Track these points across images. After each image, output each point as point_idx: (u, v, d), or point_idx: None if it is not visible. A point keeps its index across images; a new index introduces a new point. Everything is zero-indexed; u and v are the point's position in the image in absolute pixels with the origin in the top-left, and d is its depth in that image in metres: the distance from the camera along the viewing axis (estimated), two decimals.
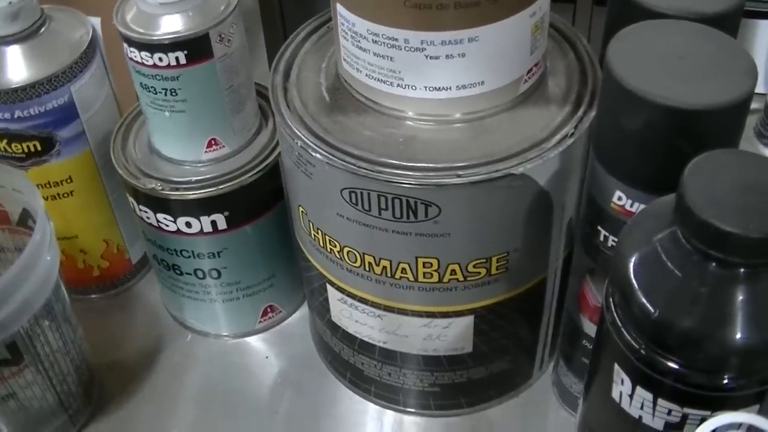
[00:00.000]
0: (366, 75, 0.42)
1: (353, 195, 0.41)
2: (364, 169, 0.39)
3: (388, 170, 0.39)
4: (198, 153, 0.50)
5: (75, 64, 0.50)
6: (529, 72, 0.42)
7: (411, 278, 0.43)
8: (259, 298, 0.55)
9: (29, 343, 0.45)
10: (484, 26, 0.39)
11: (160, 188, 0.49)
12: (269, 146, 0.51)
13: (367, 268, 0.44)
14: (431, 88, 0.41)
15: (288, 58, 0.47)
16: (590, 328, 0.46)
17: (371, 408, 0.53)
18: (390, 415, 0.52)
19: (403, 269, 0.43)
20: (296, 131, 0.42)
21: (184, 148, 0.50)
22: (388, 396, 0.52)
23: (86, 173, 0.54)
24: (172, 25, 0.45)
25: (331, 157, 0.40)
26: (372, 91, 0.42)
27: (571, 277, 0.47)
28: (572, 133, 0.41)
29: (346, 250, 0.44)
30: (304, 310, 0.58)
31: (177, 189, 0.49)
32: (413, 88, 0.41)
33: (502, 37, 0.40)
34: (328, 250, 0.45)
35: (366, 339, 0.49)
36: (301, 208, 0.46)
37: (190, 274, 0.53)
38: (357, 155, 0.40)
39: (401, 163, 0.40)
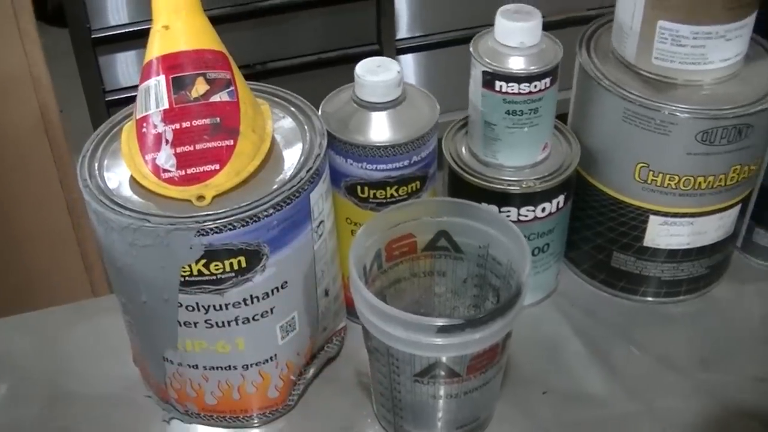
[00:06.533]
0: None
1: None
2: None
3: None
4: (535, 156, 0.69)
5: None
6: None
7: None
8: (558, 261, 0.76)
9: None
10: None
11: (533, 185, 0.68)
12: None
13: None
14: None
15: None
16: None
17: None
18: None
19: None
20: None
21: (529, 154, 0.69)
22: None
23: None
24: (540, 61, 0.65)
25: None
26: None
27: None
28: None
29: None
30: None
31: (546, 182, 0.68)
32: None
33: None
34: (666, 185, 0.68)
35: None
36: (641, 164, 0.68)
37: None
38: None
39: None
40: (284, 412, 0.67)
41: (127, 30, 1.55)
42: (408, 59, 1.88)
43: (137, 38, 1.53)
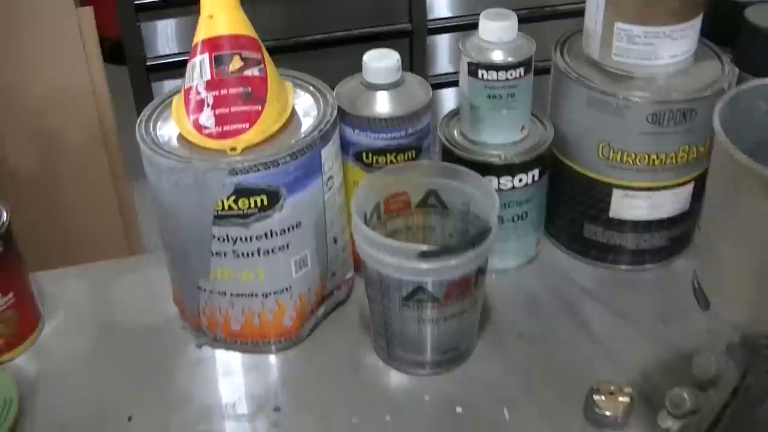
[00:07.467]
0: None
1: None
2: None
3: None
4: (514, 136, 0.84)
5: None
6: None
7: None
8: (537, 231, 0.89)
9: None
10: None
11: (510, 158, 0.82)
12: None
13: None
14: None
15: None
16: None
17: None
18: None
19: None
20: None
21: (508, 133, 0.83)
22: None
23: None
24: (515, 54, 0.80)
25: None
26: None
27: None
28: None
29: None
30: None
31: (522, 156, 0.82)
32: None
33: None
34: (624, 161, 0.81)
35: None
36: (602, 143, 0.82)
37: (509, 220, 0.85)
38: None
39: None
40: (297, 341, 0.81)
41: (176, 60, 1.74)
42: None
43: (184, 67, 1.71)
